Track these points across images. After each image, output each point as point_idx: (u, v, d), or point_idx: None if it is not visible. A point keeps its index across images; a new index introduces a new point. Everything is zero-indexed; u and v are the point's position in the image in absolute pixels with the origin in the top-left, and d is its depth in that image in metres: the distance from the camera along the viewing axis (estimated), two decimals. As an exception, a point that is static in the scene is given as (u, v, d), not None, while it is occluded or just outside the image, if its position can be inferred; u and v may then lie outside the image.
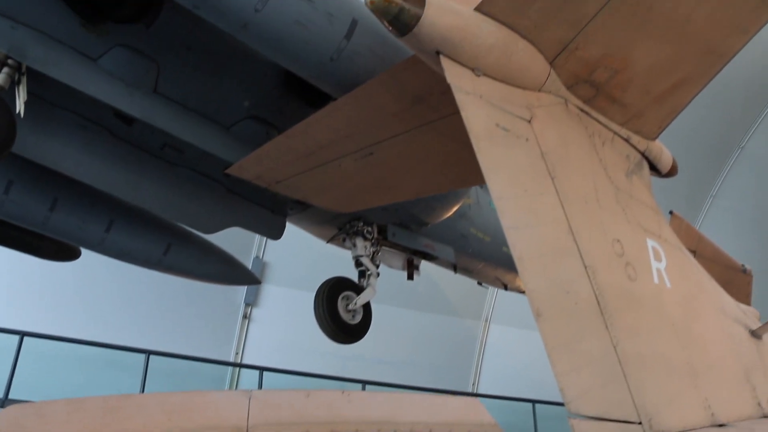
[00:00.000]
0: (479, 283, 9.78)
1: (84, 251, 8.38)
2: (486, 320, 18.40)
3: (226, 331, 16.85)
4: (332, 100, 5.82)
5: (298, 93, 6.69)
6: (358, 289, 7.79)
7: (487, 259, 8.79)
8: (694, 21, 4.53)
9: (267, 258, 16.97)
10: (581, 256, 4.26)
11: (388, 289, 15.00)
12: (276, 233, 8.06)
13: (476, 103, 4.14)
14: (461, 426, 3.24)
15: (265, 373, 15.23)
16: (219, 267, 8.78)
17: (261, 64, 6.38)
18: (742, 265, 10.26)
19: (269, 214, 7.95)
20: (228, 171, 6.58)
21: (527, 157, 4.24)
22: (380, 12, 4.04)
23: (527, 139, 4.30)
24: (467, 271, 9.10)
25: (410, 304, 16.87)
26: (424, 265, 9.53)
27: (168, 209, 7.29)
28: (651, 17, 4.43)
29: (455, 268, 8.88)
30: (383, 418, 3.01)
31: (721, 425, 4.85)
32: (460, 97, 4.08)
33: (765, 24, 4.80)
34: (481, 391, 17.73)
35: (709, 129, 21.28)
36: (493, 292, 17.63)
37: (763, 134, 22.06)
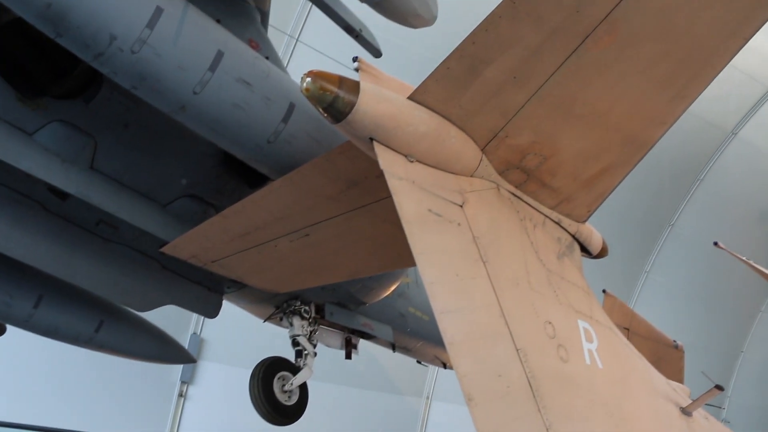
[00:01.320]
0: (418, 362, 9.74)
1: (10, 327, 8.05)
2: (428, 397, 18.21)
3: (161, 410, 16.22)
4: (271, 181, 5.86)
5: (237, 173, 6.72)
6: (295, 369, 7.65)
7: (425, 338, 8.78)
8: (615, 113, 4.78)
9: (205, 334, 16.57)
10: (513, 339, 4.30)
11: (329, 367, 14.77)
12: (212, 311, 7.92)
13: (408, 189, 4.23)
14: None
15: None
16: (152, 345, 8.53)
17: (200, 144, 6.40)
18: (674, 341, 10.51)
19: (205, 291, 7.82)
20: (163, 250, 6.50)
21: (459, 242, 4.32)
22: (315, 99, 4.14)
23: (459, 224, 4.39)
24: (406, 350, 9.06)
25: (351, 381, 16.61)
26: (365, 342, 9.46)
27: (101, 286, 7.10)
28: (575, 109, 4.65)
29: (393, 347, 8.84)
30: None
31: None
32: (392, 183, 4.16)
33: (681, 115, 5.08)
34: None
35: (642, 207, 22.11)
36: (435, 369, 17.56)
37: (691, 211, 23.01)
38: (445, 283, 4.09)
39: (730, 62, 4.67)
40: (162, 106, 5.28)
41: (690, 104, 5.00)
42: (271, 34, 7.06)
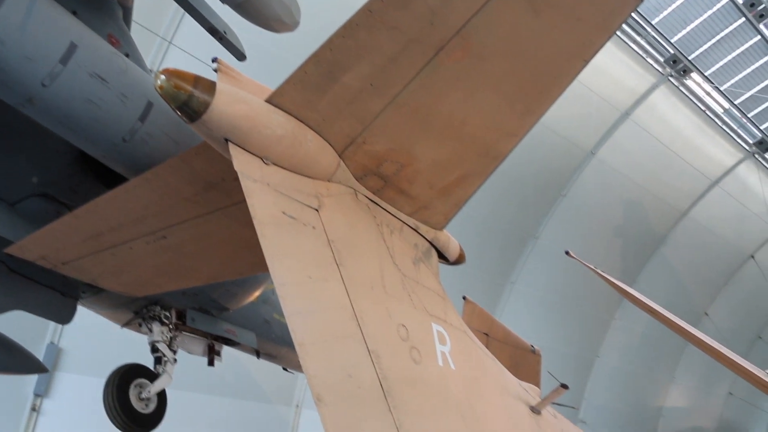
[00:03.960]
0: (284, 369, 9.68)
1: None
2: (297, 405, 18.07)
3: (10, 427, 15.16)
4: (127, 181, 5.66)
5: (93, 172, 6.44)
6: (153, 377, 7.40)
7: (290, 345, 8.67)
8: (468, 125, 4.98)
9: (64, 344, 15.68)
10: (365, 341, 4.38)
11: (194, 375, 14.37)
12: (65, 317, 7.51)
13: (263, 191, 4.23)
14: None
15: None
16: (-2, 355, 7.99)
17: (52, 140, 6.09)
18: (532, 346, 11.03)
19: (58, 296, 7.42)
20: (8, 251, 6.12)
21: (313, 245, 4.35)
22: (169, 97, 4.06)
23: (314, 227, 4.42)
24: (271, 357, 8.97)
25: (218, 390, 16.21)
26: (233, 350, 9.30)
27: None
28: (431, 118, 4.81)
29: (258, 354, 8.73)
30: None
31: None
32: (246, 185, 4.14)
33: (531, 128, 5.36)
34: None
35: (508, 220, 23.16)
36: (304, 377, 17.44)
37: (554, 225, 24.33)
38: (297, 284, 4.10)
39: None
40: (7, 97, 5.00)
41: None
42: (144, 35, 6.84)
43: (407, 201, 5.35)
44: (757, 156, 29.83)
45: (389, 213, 5.26)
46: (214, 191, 5.08)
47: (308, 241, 4.33)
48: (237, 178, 4.26)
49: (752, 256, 33.71)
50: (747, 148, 29.29)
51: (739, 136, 28.89)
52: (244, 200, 4.17)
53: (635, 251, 27.82)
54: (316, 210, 4.53)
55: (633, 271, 27.27)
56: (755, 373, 6.70)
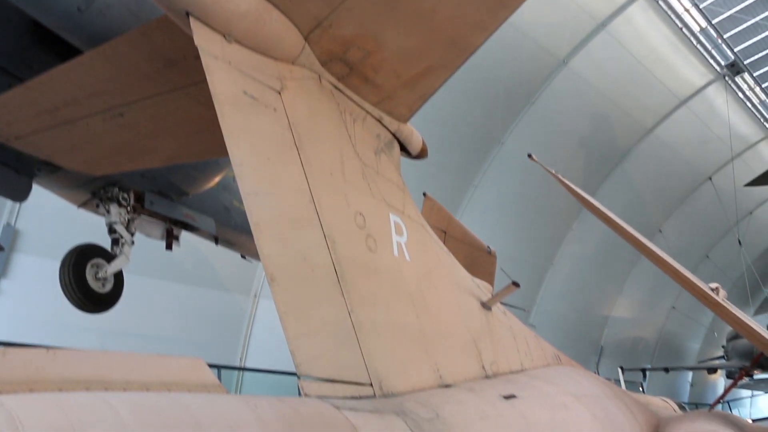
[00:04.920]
0: (243, 257, 9.76)
1: None
2: (255, 295, 18.38)
3: (-32, 306, 15.18)
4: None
5: (48, 45, 6.18)
6: (110, 257, 7.41)
7: (250, 233, 8.69)
8: (438, 14, 4.86)
9: (20, 225, 15.50)
10: (321, 226, 4.41)
11: (152, 261, 14.44)
12: (20, 195, 7.39)
13: (224, 69, 4.11)
14: (181, 385, 3.21)
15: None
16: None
17: (4, 9, 5.79)
18: (488, 247, 11.26)
19: (12, 174, 7.26)
20: None
21: (273, 127, 4.30)
22: (127, -37, 3.87)
23: (275, 109, 4.35)
24: (230, 244, 9.02)
25: (177, 277, 16.35)
26: (193, 238, 9.30)
27: None
28: (400, 5, 4.68)
29: (216, 240, 8.77)
30: (93, 376, 2.89)
31: (447, 386, 5.31)
32: (207, 61, 4.02)
33: (502, 23, 5.26)
34: (248, 365, 17.75)
35: (475, 124, 23.08)
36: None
37: (520, 133, 24.35)
38: (255, 165, 4.07)
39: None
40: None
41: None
42: None
43: (372, 90, 5.27)
44: (727, 79, 29.97)
45: (353, 101, 5.19)
46: (174, 69, 4.93)
47: (268, 123, 4.27)
48: (198, 57, 4.12)
49: (710, 178, 34.46)
50: (718, 69, 29.37)
51: (713, 57, 28.90)
52: (205, 80, 4.06)
53: (598, 164, 28.17)
54: (278, 92, 4.45)
55: (594, 184, 27.69)
56: (701, 287, 6.94)
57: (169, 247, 8.36)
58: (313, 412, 3.65)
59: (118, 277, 7.52)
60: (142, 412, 2.76)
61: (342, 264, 4.50)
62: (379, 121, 5.55)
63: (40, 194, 7.80)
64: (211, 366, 3.59)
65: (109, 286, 7.39)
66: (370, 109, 5.39)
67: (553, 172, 8.15)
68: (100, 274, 7.29)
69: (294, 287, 4.10)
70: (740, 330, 7.84)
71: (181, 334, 16.50)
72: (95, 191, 7.59)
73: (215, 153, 5.99)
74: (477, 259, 10.50)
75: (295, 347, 4.01)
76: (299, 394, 4.03)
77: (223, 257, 14.14)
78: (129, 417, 2.67)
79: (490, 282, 10.42)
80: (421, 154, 6.37)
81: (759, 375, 33.74)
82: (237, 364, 17.90)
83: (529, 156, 8.08)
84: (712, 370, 38.31)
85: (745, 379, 35.89)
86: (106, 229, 7.86)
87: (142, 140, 5.89)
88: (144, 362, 3.17)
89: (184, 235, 8.89)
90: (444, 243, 6.83)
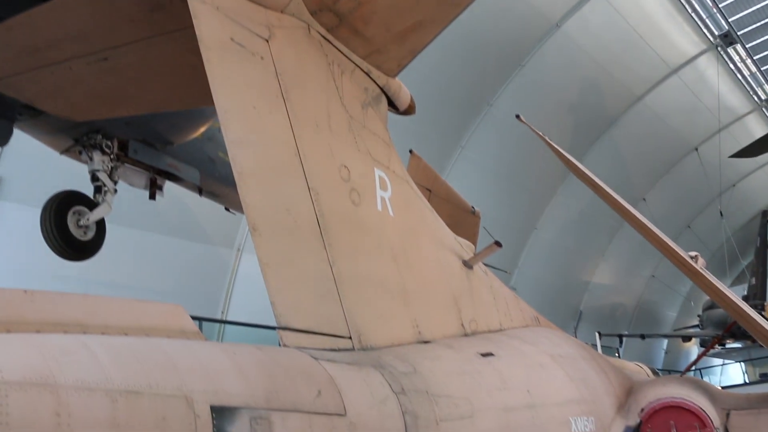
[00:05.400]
0: (227, 209, 9.71)
1: None
2: (239, 249, 18.34)
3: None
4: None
5: None
6: (92, 205, 7.34)
7: (234, 185, 8.62)
8: (431, -34, 4.78)
9: (2, 171, 15.29)
10: (306, 177, 4.39)
11: (136, 211, 14.32)
12: (1, 138, 7.26)
13: (212, 14, 4.03)
14: (160, 331, 3.21)
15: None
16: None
17: None
18: (472, 207, 11.28)
19: None
20: None
21: (260, 76, 4.23)
22: None
23: (262, 58, 4.28)
24: (214, 195, 8.95)
25: (160, 229, 16.22)
26: (178, 191, 9.22)
27: None
28: None
29: (200, 191, 8.70)
30: (71, 319, 2.88)
31: (425, 342, 5.36)
32: (194, 6, 3.94)
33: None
34: (230, 319, 17.77)
35: (465, 85, 22.89)
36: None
37: (510, 95, 24.19)
38: (241, 113, 4.02)
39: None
40: None
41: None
42: None
43: (361, 42, 5.19)
44: (719, 49, 29.90)
45: (342, 53, 5.12)
46: (161, 13, 4.81)
47: (255, 71, 4.21)
48: (185, 1, 4.03)
49: (696, 149, 34.60)
50: (711, 39, 29.26)
51: (706, 27, 28.77)
52: (192, 26, 3.98)
53: (586, 130, 28.14)
54: (266, 40, 4.37)
55: (580, 150, 27.69)
56: (681, 254, 7.02)
57: (152, 196, 8.27)
58: (292, 361, 3.68)
59: (100, 225, 7.44)
60: (120, 355, 2.76)
61: (325, 216, 4.49)
62: (368, 74, 5.48)
63: (22, 140, 7.67)
64: (192, 318, 3.59)
65: (90, 234, 7.32)
66: (358, 61, 5.32)
67: (541, 134, 8.13)
68: (82, 222, 7.22)
69: (276, 238, 4.09)
70: (716, 298, 7.96)
71: (163, 285, 16.45)
72: (78, 138, 7.47)
73: (201, 101, 5.91)
74: (461, 219, 10.51)
75: (276, 298, 4.02)
76: (279, 345, 4.06)
77: (207, 210, 14.06)
78: (106, 359, 2.68)
79: (473, 242, 10.44)
80: (409, 110, 6.32)
81: (731, 344, 34.43)
82: (219, 317, 17.92)
83: (517, 117, 8.04)
84: (687, 339, 39.04)
85: (718, 348, 36.69)
86: (88, 177, 7.76)
87: (127, 86, 5.78)
88: (123, 307, 3.16)
89: (169, 186, 8.80)
90: (428, 201, 6.83)
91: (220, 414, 2.96)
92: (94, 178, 7.50)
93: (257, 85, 4.20)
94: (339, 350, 4.29)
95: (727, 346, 36.58)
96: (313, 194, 4.41)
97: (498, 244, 6.56)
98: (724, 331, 25.52)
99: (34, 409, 2.30)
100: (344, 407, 3.67)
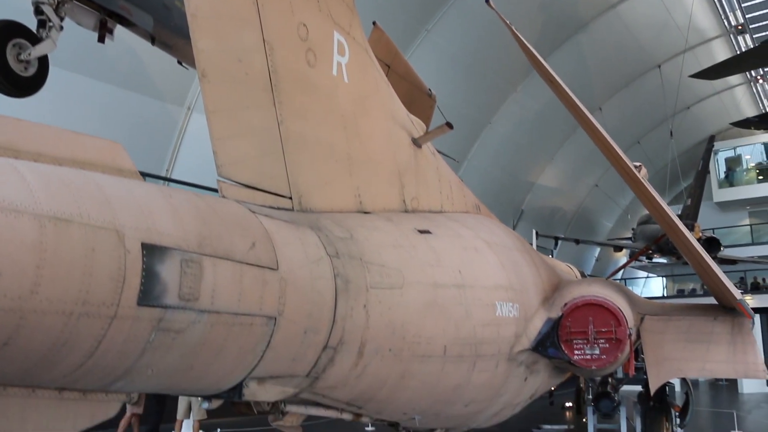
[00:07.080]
0: (179, 62, 9.32)
1: None
2: (189, 108, 17.78)
3: None
4: None
5: None
6: (34, 39, 6.90)
7: (188, 37, 8.22)
8: None
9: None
10: (262, 29, 4.23)
11: (84, 56, 13.69)
12: None
13: None
14: (96, 166, 3.13)
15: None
16: None
17: None
18: (429, 90, 11.10)
19: None
20: None
21: None
22: None
23: None
24: (166, 46, 8.52)
25: (108, 77, 15.50)
26: (130, 38, 8.76)
27: None
28: None
29: (153, 40, 8.28)
30: (2, 142, 2.78)
31: (366, 213, 5.41)
32: None
33: None
34: (174, 178, 17.47)
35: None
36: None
37: (485, -14, 23.32)
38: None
39: None
40: None
41: None
42: None
43: None
44: (699, -33, 29.37)
45: None
46: None
47: None
48: None
49: (659, 66, 34.60)
50: (692, -46, 28.70)
51: (689, -60, 28.10)
52: None
53: (554, 31, 27.64)
54: None
55: (545, 51, 27.32)
56: (626, 162, 7.13)
57: (101, 39, 7.82)
58: (229, 211, 3.66)
59: (43, 62, 7.01)
60: (52, 182, 2.69)
61: (278, 73, 4.37)
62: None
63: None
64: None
65: (32, 71, 6.90)
66: None
67: (509, 22, 7.96)
68: (23, 56, 6.80)
69: (225, 87, 3.98)
70: (651, 209, 8.19)
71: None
72: (23, -37, 6.96)
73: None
74: (416, 99, 10.34)
75: (219, 148, 3.97)
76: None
77: (159, 63, 13.50)
78: (37, 185, 2.60)
79: (426, 125, 10.37)
80: None
81: (657, 258, 35.92)
82: (162, 174, 17.60)
83: (487, 2, 7.82)
84: (618, 249, 40.47)
85: (644, 261, 38.34)
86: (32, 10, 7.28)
87: None
88: (59, 136, 3.04)
89: (120, 35, 8.34)
90: (386, 78, 6.69)
91: (151, 252, 2.94)
92: (38, 11, 7.02)
93: None
94: (279, 209, 4.30)
95: (654, 260, 38.14)
96: (268, 48, 4.27)
97: (449, 125, 6.52)
98: (654, 242, 26.54)
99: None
100: (277, 262, 3.71)
